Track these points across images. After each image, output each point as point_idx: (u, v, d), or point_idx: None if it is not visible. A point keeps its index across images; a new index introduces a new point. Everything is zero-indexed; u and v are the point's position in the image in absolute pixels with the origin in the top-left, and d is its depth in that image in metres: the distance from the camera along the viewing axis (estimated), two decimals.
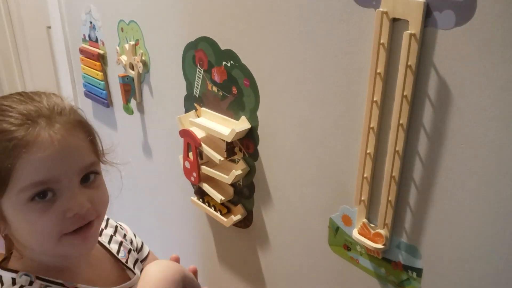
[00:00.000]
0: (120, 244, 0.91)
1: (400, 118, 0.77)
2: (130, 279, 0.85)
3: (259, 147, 1.09)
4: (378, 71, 0.78)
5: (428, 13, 0.69)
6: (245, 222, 1.22)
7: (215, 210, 1.24)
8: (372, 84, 0.79)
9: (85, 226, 0.69)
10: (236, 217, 1.19)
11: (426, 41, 0.71)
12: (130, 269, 0.87)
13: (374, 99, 0.80)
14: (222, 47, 1.07)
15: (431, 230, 0.82)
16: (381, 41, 0.75)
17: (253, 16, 0.97)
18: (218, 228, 1.34)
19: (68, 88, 1.77)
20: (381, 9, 0.73)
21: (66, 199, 0.65)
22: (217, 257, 1.39)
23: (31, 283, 0.70)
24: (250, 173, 1.14)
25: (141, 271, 0.82)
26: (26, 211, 0.64)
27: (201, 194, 1.28)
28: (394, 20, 0.74)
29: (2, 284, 0.70)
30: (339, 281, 1.04)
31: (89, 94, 1.63)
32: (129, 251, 0.91)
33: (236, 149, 1.14)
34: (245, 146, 1.12)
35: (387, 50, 0.75)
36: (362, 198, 0.89)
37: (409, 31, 0.71)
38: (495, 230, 0.74)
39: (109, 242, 0.89)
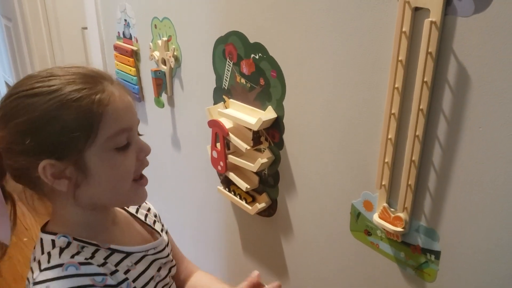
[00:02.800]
0: (146, 216, 0.98)
1: (421, 104, 0.81)
2: (157, 237, 0.92)
3: (284, 136, 1.13)
4: (399, 58, 0.82)
5: (448, 1, 0.73)
6: (269, 211, 1.27)
7: (240, 198, 1.28)
8: (394, 71, 0.83)
9: (142, 177, 0.80)
10: (260, 205, 1.23)
11: (446, 29, 0.75)
12: (157, 231, 0.94)
13: (396, 85, 0.84)
14: (251, 41, 1.12)
15: (449, 213, 0.85)
16: (403, 30, 0.79)
17: (280, 9, 1.02)
18: (243, 216, 1.38)
19: None
20: None
21: (137, 143, 0.77)
22: (241, 245, 1.43)
23: (68, 244, 0.76)
24: (275, 162, 1.18)
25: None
26: (112, 157, 0.73)
27: (227, 184, 1.32)
28: (416, 9, 0.78)
29: (43, 246, 0.77)
30: (360, 267, 1.07)
31: None
32: (154, 222, 0.98)
33: (262, 139, 1.19)
34: (271, 135, 1.16)
35: (409, 38, 0.79)
36: (383, 183, 0.93)
37: (430, 19, 0.75)
38: None
39: (136, 212, 0.97)
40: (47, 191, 0.76)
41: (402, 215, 0.91)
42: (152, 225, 0.95)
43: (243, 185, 1.23)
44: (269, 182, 1.23)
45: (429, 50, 0.77)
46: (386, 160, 0.91)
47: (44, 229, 0.80)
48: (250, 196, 1.28)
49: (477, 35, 0.72)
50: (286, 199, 1.20)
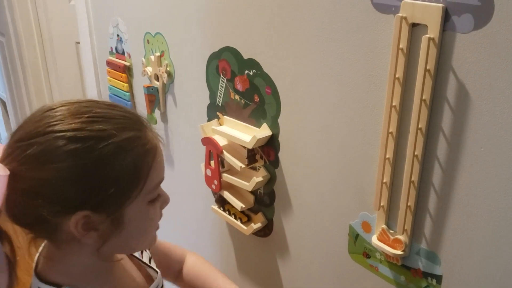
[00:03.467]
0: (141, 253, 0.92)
1: (419, 123, 0.78)
2: (153, 278, 0.86)
3: (280, 154, 1.10)
4: (397, 76, 0.79)
5: (446, 17, 0.70)
6: (265, 231, 1.23)
7: (235, 218, 1.25)
8: (391, 89, 0.80)
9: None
10: (256, 225, 1.20)
11: (444, 45, 0.72)
12: (154, 269, 0.88)
13: (393, 104, 0.81)
14: (245, 56, 1.09)
15: (451, 236, 0.82)
16: (400, 46, 0.77)
17: (275, 25, 0.99)
18: (238, 236, 1.35)
19: None
20: (400, 14, 0.75)
21: (163, 194, 0.72)
22: (237, 266, 1.39)
23: None
24: (270, 180, 1.15)
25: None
26: (146, 209, 0.68)
27: (222, 203, 1.29)
28: (413, 25, 0.75)
29: None
30: None
31: None
32: (149, 258, 0.93)
33: (257, 157, 1.16)
34: (266, 153, 1.13)
35: (406, 54, 0.77)
36: (382, 204, 0.89)
37: (427, 35, 0.72)
38: None
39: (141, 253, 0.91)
40: (63, 239, 0.67)
41: (401, 237, 0.87)
42: (149, 263, 0.89)
43: (238, 204, 1.19)
44: (265, 201, 1.19)
45: (428, 67, 0.74)
46: (384, 180, 0.87)
47: (43, 277, 0.70)
48: (246, 216, 1.24)
49: (477, 52, 0.69)
50: (282, 219, 1.17)
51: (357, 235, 0.98)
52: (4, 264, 0.66)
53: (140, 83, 1.51)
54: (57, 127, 0.61)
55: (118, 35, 1.56)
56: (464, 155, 0.76)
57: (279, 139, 1.09)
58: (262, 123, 1.11)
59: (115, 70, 1.59)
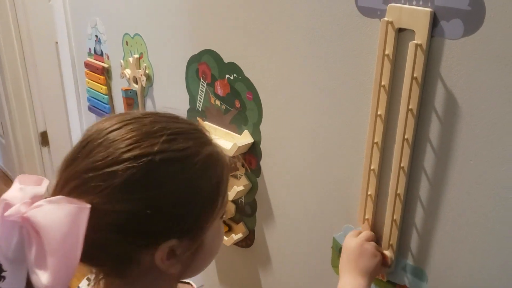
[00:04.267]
0: None
1: (405, 133, 0.74)
2: None
3: (262, 163, 1.05)
4: (382, 83, 0.75)
5: (435, 22, 0.66)
6: (247, 242, 1.19)
7: None
8: (376, 97, 0.76)
9: None
10: (237, 236, 1.16)
11: (432, 52, 0.68)
12: (184, 282, 0.79)
13: (378, 112, 0.77)
14: (226, 60, 1.05)
15: (438, 252, 0.78)
16: (386, 52, 0.72)
17: (257, 29, 0.95)
18: None
19: (73, 102, 1.76)
20: (386, 18, 0.71)
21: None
22: (218, 276, 1.35)
23: None
24: (252, 189, 1.11)
25: None
26: (220, 224, 0.63)
27: None
28: (400, 31, 0.71)
29: None
30: None
31: (93, 108, 1.61)
32: None
33: (238, 165, 1.11)
34: (248, 161, 1.09)
35: (392, 61, 0.73)
36: (366, 217, 0.85)
37: (415, 41, 0.68)
38: (505, 252, 0.70)
39: None
40: (137, 274, 0.58)
41: (387, 252, 0.83)
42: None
43: None
44: (246, 211, 1.15)
45: (415, 75, 0.70)
46: (369, 193, 0.83)
47: None
48: (226, 226, 1.20)
49: (467, 60, 0.65)
50: (264, 229, 1.12)
51: (341, 248, 0.94)
52: None
53: (118, 86, 1.46)
54: (136, 152, 0.53)
55: (96, 36, 1.50)
56: (452, 168, 0.72)
57: (261, 146, 1.04)
58: (244, 130, 1.06)
59: (93, 72, 1.54)
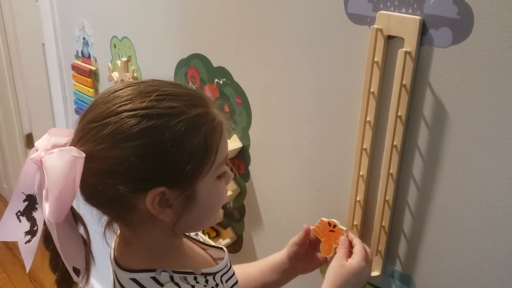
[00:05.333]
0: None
1: (394, 139, 0.74)
2: (219, 256, 0.83)
3: (251, 167, 1.05)
4: (371, 90, 0.75)
5: (424, 30, 0.67)
6: (235, 247, 1.18)
7: (203, 233, 1.19)
8: (365, 104, 0.76)
9: None
10: (225, 241, 1.15)
11: (421, 60, 0.69)
12: (215, 247, 0.86)
13: (367, 119, 0.77)
14: (215, 65, 1.04)
15: (427, 259, 0.78)
16: (375, 59, 0.73)
17: (246, 34, 0.94)
18: None
19: (60, 104, 1.74)
20: (375, 26, 0.71)
21: (228, 171, 0.71)
22: None
23: (172, 279, 0.68)
24: (240, 194, 1.10)
25: None
26: (216, 184, 0.68)
27: None
28: (389, 38, 0.71)
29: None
30: None
31: (80, 110, 1.60)
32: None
33: None
34: (236, 166, 1.08)
35: (381, 68, 0.73)
36: (355, 223, 0.85)
37: (404, 49, 0.69)
38: (492, 259, 0.70)
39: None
40: (136, 220, 0.67)
41: (375, 259, 0.83)
42: (211, 244, 0.87)
43: None
44: (235, 216, 1.14)
45: (404, 82, 0.70)
46: (358, 199, 0.83)
47: (129, 267, 0.70)
48: (214, 231, 1.19)
49: (455, 68, 0.66)
50: (253, 234, 1.12)
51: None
52: (81, 245, 0.69)
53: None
54: (128, 106, 0.62)
55: (84, 38, 1.49)
56: (440, 174, 0.72)
57: (250, 151, 1.04)
58: (232, 134, 1.06)
59: (81, 75, 1.52)
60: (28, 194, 0.68)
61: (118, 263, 0.71)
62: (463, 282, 0.75)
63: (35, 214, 0.69)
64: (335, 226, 0.84)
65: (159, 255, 0.71)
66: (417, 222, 0.78)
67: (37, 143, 0.64)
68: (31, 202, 0.68)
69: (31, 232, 0.69)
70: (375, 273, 0.84)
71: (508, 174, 0.65)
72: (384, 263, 0.83)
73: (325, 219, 0.84)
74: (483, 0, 0.60)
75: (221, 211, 0.73)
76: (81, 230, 0.70)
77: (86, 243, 0.70)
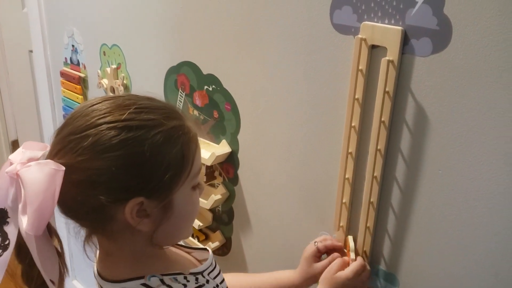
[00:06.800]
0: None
1: (378, 143, 0.78)
2: (203, 257, 0.85)
3: (239, 172, 1.08)
4: (356, 96, 0.78)
5: (405, 40, 0.71)
6: (223, 250, 1.20)
7: (192, 236, 1.21)
8: (351, 110, 0.80)
9: None
10: (214, 244, 1.17)
11: (403, 68, 0.72)
12: (199, 249, 0.87)
13: (353, 124, 0.80)
14: (204, 72, 1.07)
15: (410, 258, 0.82)
16: (360, 67, 0.76)
17: (235, 42, 0.97)
18: None
19: (47, 111, 1.74)
20: (360, 36, 0.74)
21: (201, 182, 0.74)
22: None
23: (162, 282, 0.69)
24: (229, 198, 1.13)
25: None
26: (191, 194, 0.70)
27: None
28: (373, 47, 0.75)
29: None
30: None
31: None
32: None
33: (216, 174, 1.13)
34: (225, 170, 1.11)
35: (365, 76, 0.76)
36: (341, 224, 0.88)
37: (387, 58, 0.72)
38: (472, 258, 0.74)
39: None
40: (115, 231, 0.68)
41: (360, 258, 0.87)
42: (194, 246, 0.88)
43: (195, 222, 1.16)
44: (223, 220, 1.17)
45: (387, 89, 0.74)
46: (344, 200, 0.87)
47: (115, 278, 0.70)
48: (203, 234, 1.21)
49: (435, 75, 0.70)
50: (241, 237, 1.14)
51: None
52: (55, 257, 0.69)
53: (95, 95, 1.45)
54: (108, 119, 0.63)
55: (73, 46, 1.50)
56: (422, 177, 0.76)
57: (239, 156, 1.07)
58: (222, 140, 1.09)
59: (70, 82, 1.53)
60: None
61: (103, 276, 0.72)
62: (446, 279, 0.78)
63: (7, 228, 0.68)
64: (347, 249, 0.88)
65: (143, 263, 0.72)
66: (400, 222, 0.81)
67: (11, 157, 0.64)
68: (2, 216, 0.68)
69: (2, 247, 0.68)
70: None
71: (486, 176, 0.69)
72: (369, 262, 0.87)
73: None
74: (461, 12, 0.64)
75: (192, 226, 0.79)
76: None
77: (60, 254, 0.70)
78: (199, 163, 0.71)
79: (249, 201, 1.09)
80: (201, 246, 0.90)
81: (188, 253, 0.86)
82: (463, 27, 0.65)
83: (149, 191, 0.64)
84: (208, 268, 0.79)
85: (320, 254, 0.91)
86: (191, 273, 0.74)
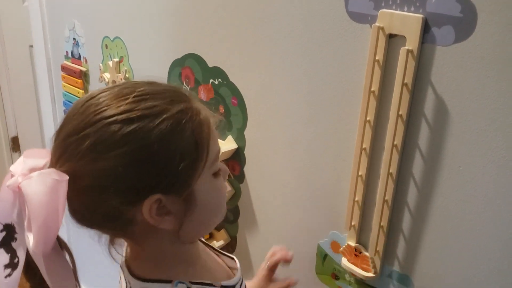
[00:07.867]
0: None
1: (395, 139, 0.74)
2: (232, 265, 0.81)
3: (246, 169, 1.04)
4: (372, 89, 0.75)
5: (426, 28, 0.67)
6: (228, 249, 1.17)
7: None
8: (366, 103, 0.76)
9: None
10: (218, 243, 1.14)
11: (423, 58, 0.69)
12: (226, 255, 0.82)
13: (367, 118, 0.77)
14: (210, 65, 1.03)
15: (425, 259, 0.78)
16: (376, 58, 0.72)
17: (243, 33, 0.94)
18: None
19: (48, 106, 1.71)
20: (377, 24, 0.71)
21: (223, 167, 0.68)
22: None
23: None
24: (235, 196, 1.09)
25: None
26: (213, 181, 0.64)
27: None
28: (391, 36, 0.71)
29: None
30: None
31: None
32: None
33: None
34: (231, 167, 1.07)
35: (382, 67, 0.73)
36: (353, 223, 0.85)
37: (406, 47, 0.68)
38: (493, 259, 0.70)
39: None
40: (138, 233, 0.63)
41: (374, 259, 0.83)
42: (222, 252, 0.84)
43: None
44: (228, 218, 1.13)
45: (405, 81, 0.70)
46: (356, 199, 0.83)
47: (142, 276, 0.66)
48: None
49: (457, 66, 0.66)
50: (247, 236, 1.11)
51: (326, 255, 0.93)
52: (69, 273, 0.63)
53: None
54: (105, 113, 0.57)
55: (74, 39, 1.47)
56: (441, 174, 0.72)
57: (245, 152, 1.03)
58: (227, 135, 1.05)
59: (71, 76, 1.50)
60: (5, 224, 0.61)
61: (131, 270, 0.67)
62: (462, 282, 0.75)
63: (15, 245, 0.62)
64: (360, 252, 0.85)
65: (171, 264, 0.67)
66: (416, 222, 0.77)
67: (12, 168, 0.59)
68: (10, 232, 0.61)
69: (12, 265, 0.62)
70: (368, 274, 0.84)
71: (509, 173, 0.65)
72: (382, 263, 0.83)
73: (352, 244, 0.85)
74: None
75: (225, 205, 0.71)
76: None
77: (73, 271, 0.64)
78: (215, 148, 0.64)
79: (255, 199, 1.05)
80: (228, 254, 0.83)
81: (218, 256, 0.81)
82: (489, 14, 0.61)
83: (165, 186, 0.58)
84: (238, 282, 0.74)
85: (273, 271, 0.89)
86: (222, 286, 0.69)
